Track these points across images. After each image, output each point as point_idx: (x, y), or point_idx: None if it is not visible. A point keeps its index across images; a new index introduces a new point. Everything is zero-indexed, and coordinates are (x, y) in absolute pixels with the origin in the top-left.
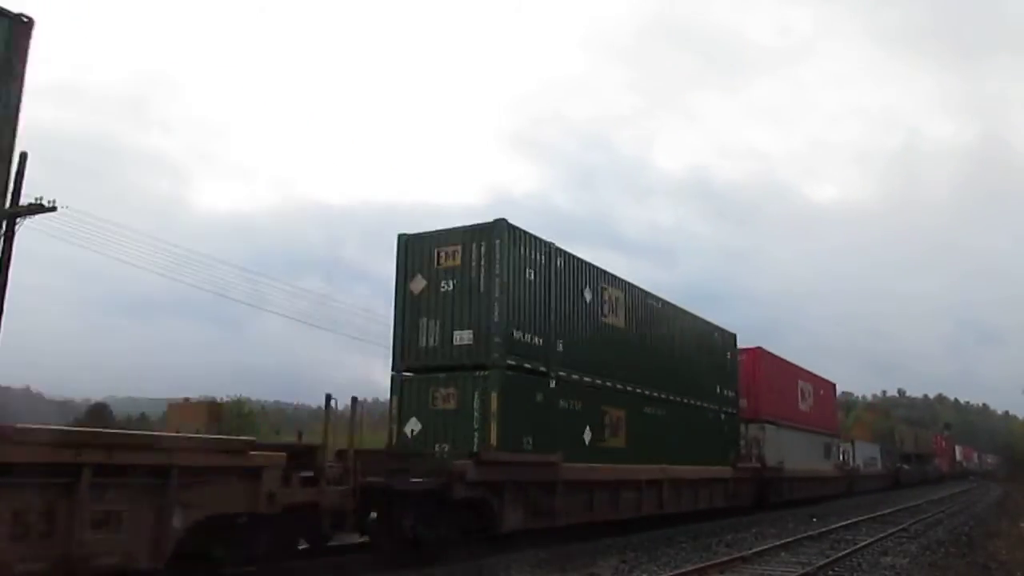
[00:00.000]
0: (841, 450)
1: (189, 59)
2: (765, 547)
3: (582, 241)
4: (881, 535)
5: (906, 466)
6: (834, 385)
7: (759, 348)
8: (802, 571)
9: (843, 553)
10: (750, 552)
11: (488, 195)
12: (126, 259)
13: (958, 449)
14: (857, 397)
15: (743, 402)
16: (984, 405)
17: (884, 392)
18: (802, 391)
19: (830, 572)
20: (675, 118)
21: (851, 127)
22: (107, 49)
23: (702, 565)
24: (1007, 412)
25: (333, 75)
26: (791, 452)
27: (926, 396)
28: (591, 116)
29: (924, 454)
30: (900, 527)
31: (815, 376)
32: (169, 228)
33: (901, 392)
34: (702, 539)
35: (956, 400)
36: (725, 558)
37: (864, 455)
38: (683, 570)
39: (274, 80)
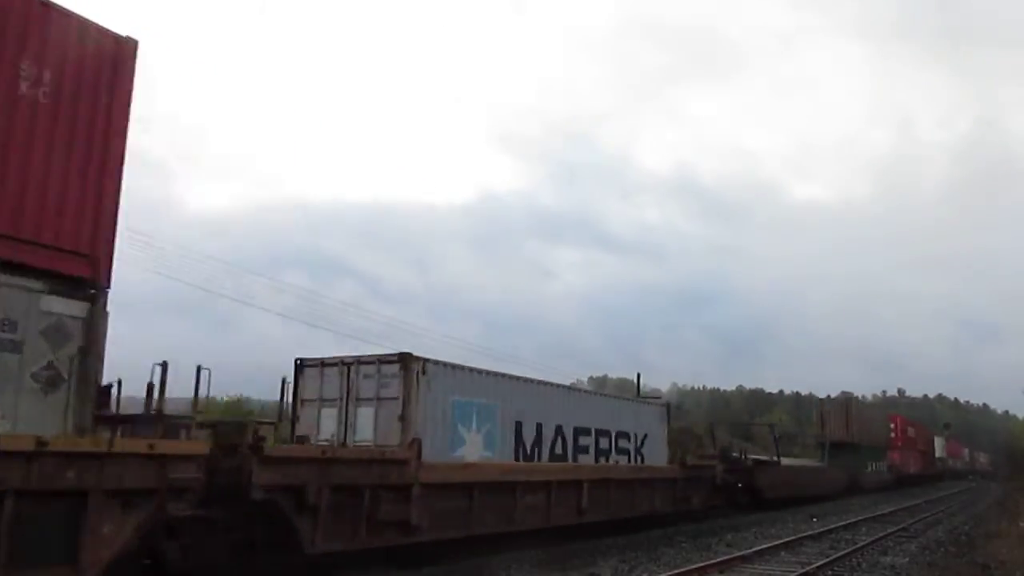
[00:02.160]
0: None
1: (167, 54)
2: (765, 546)
3: (570, 241)
4: (881, 535)
5: (783, 464)
6: None
7: None
8: (802, 570)
9: (843, 553)
10: (750, 551)
11: (473, 192)
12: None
13: (938, 442)
14: (857, 397)
15: None
16: (984, 405)
17: (884, 392)
18: None
19: (830, 572)
20: (656, 115)
21: (837, 123)
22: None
23: (702, 565)
24: (1007, 412)
25: (313, 71)
26: None
27: (926, 396)
28: (571, 113)
29: (865, 444)
30: (900, 527)
31: None
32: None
33: (901, 392)
34: (702, 539)
35: (956, 400)
36: (725, 557)
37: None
38: (683, 570)
39: (249, 77)
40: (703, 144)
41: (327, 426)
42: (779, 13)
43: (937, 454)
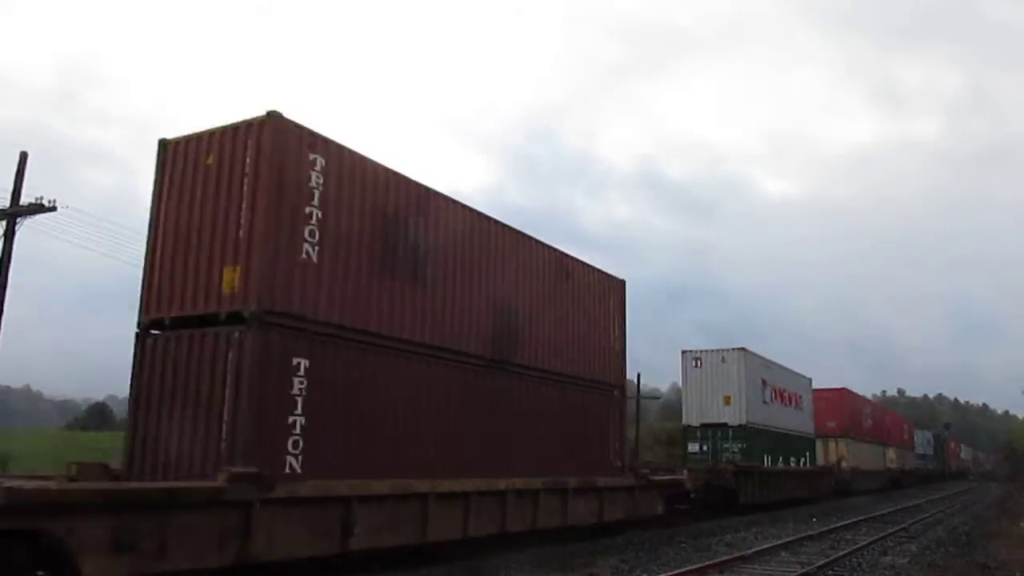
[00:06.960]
0: None
1: (148, 50)
2: (765, 547)
3: (541, 238)
4: (881, 535)
5: None
6: None
7: None
8: (802, 571)
9: (843, 553)
10: (750, 552)
11: (440, 188)
12: (113, 255)
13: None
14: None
15: None
16: (984, 405)
17: (884, 392)
18: None
19: (830, 572)
20: (615, 110)
21: (801, 115)
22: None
23: (702, 565)
24: (1007, 412)
25: (278, 64)
26: None
27: (926, 396)
28: (529, 108)
29: None
30: (900, 527)
31: None
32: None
33: (901, 392)
34: (702, 539)
35: (956, 400)
36: (725, 558)
37: None
38: (683, 570)
39: (226, 71)
40: (665, 138)
41: None
42: (727, 1)
43: (793, 425)
